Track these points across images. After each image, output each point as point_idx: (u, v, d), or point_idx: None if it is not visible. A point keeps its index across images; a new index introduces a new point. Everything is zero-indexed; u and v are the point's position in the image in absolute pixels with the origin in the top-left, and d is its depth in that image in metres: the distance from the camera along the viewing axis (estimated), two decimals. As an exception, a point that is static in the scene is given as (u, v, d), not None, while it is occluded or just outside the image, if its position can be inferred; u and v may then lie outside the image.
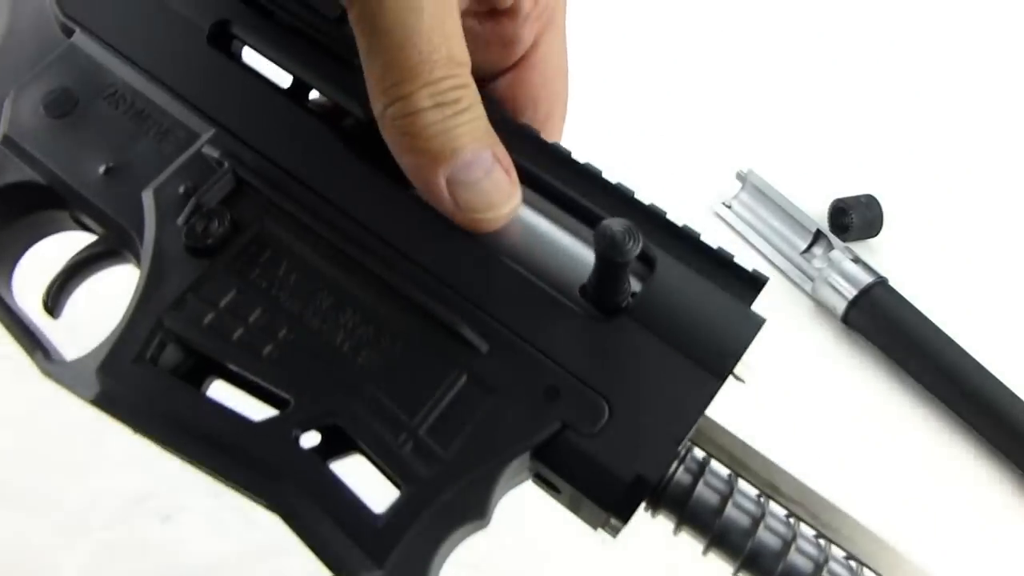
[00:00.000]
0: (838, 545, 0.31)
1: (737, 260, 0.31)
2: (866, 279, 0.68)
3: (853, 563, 0.31)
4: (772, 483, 0.30)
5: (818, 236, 0.72)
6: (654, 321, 0.30)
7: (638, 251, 0.28)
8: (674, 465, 0.30)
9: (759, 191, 0.74)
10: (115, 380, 0.29)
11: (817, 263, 0.71)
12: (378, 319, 0.30)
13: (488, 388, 0.29)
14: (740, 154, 0.77)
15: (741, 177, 0.75)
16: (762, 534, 0.30)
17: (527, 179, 0.32)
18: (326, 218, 0.31)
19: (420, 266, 0.31)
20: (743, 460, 0.30)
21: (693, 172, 0.77)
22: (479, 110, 0.30)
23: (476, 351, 0.30)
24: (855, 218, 0.73)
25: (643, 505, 0.29)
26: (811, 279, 0.71)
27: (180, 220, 0.32)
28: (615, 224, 0.28)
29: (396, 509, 0.28)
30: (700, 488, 0.30)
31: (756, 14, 0.89)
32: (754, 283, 0.31)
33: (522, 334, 0.30)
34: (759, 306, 0.31)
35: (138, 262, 0.32)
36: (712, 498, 0.30)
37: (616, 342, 0.30)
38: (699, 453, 0.31)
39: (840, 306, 0.68)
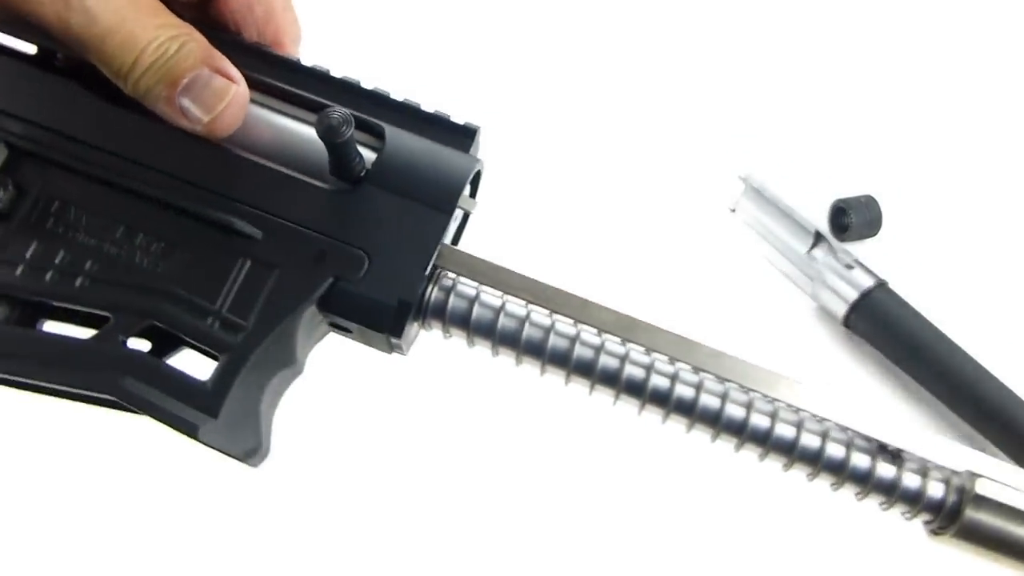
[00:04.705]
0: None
1: (453, 118, 0.39)
2: (866, 282, 0.68)
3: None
4: (508, 284, 0.38)
5: (818, 238, 0.71)
6: (389, 181, 0.38)
7: (351, 132, 0.35)
8: (429, 287, 0.37)
9: (760, 194, 0.74)
10: None
11: (818, 266, 0.71)
12: (165, 234, 0.37)
13: (269, 265, 0.37)
14: (741, 156, 0.77)
15: (743, 179, 0.75)
16: (503, 320, 0.37)
17: (265, 88, 0.39)
18: (97, 162, 0.38)
19: (188, 182, 0.37)
20: (487, 273, 0.38)
21: (696, 176, 0.77)
22: (192, 45, 0.37)
23: (252, 239, 0.37)
24: (855, 218, 0.72)
25: (414, 323, 0.37)
26: (812, 281, 0.70)
27: None
28: (332, 113, 0.35)
29: (218, 373, 0.35)
30: (453, 300, 0.37)
31: (756, 16, 0.88)
32: (468, 133, 0.39)
33: (286, 216, 0.37)
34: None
35: None
36: (463, 305, 0.37)
37: (362, 204, 0.37)
38: (451, 275, 0.38)
39: (841, 310, 0.68)
